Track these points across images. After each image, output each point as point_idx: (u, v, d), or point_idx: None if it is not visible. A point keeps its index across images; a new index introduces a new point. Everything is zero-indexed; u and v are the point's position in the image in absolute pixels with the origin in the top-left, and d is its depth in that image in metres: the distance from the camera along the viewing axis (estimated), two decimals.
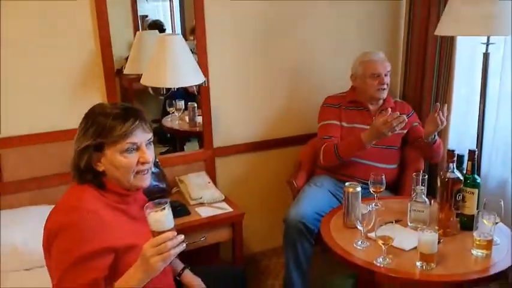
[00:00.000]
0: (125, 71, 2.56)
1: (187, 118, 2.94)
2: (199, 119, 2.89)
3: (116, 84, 2.46)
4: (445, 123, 2.37)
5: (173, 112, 2.93)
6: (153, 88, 2.49)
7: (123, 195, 1.50)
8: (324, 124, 2.63)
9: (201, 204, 2.41)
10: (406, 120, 2.26)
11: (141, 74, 2.31)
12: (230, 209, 2.37)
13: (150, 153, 1.48)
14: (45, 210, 2.22)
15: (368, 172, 2.43)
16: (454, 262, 1.72)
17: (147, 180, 1.51)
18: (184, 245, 1.33)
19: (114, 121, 1.41)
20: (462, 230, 1.91)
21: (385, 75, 2.55)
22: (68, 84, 2.37)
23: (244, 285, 1.95)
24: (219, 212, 2.35)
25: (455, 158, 1.86)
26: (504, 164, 2.58)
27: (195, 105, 2.89)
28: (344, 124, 2.59)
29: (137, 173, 1.46)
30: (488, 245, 1.73)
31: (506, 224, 1.98)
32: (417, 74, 2.98)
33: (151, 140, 1.51)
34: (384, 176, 2.13)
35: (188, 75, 2.25)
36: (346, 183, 1.98)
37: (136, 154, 1.45)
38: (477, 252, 1.74)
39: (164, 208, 1.32)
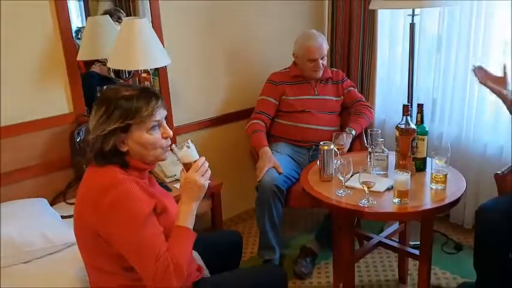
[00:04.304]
0: (79, 58, 2.51)
1: None
2: None
3: (78, 75, 2.46)
4: None
5: None
6: (115, 72, 2.52)
7: (143, 170, 1.60)
8: (261, 98, 2.91)
9: (177, 180, 2.51)
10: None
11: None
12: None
13: (169, 128, 1.60)
14: (34, 203, 2.22)
15: (317, 135, 2.78)
16: (419, 196, 2.07)
17: (167, 154, 1.63)
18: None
19: (138, 103, 1.49)
20: (416, 171, 2.27)
21: (321, 58, 2.83)
22: (29, 76, 2.32)
23: (241, 248, 2.09)
24: None
25: (409, 112, 2.22)
26: (426, 117, 3.05)
27: None
28: (290, 97, 2.86)
29: (162, 148, 1.58)
30: (444, 179, 2.10)
31: None
32: (343, 45, 3.33)
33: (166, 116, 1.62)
34: (345, 135, 2.45)
35: (157, 57, 2.32)
36: (321, 142, 2.24)
37: (159, 130, 1.56)
38: (436, 186, 2.11)
39: (189, 146, 1.57)
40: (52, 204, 2.39)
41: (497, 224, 2.06)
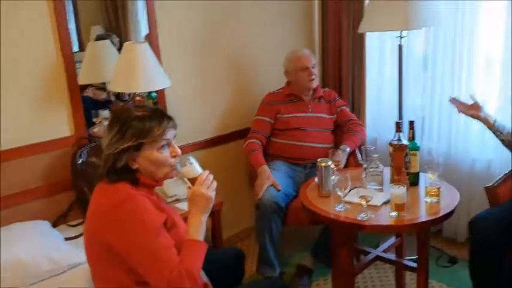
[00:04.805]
0: (80, 82, 2.56)
1: None
2: None
3: (79, 97, 2.51)
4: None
5: (100, 122, 2.98)
6: (116, 95, 2.58)
7: (152, 186, 1.66)
8: (257, 118, 3.00)
9: (178, 200, 2.56)
10: None
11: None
12: None
13: (177, 147, 1.66)
14: (37, 225, 2.23)
15: (312, 152, 2.85)
16: (415, 209, 2.15)
17: (175, 172, 1.69)
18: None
19: (151, 123, 1.56)
20: (410, 186, 2.34)
21: (312, 67, 2.95)
22: (32, 100, 2.37)
23: (243, 264, 2.12)
24: None
25: (401, 129, 2.30)
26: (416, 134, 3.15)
27: None
28: (285, 115, 2.95)
29: (171, 166, 1.64)
30: (438, 192, 2.18)
31: None
32: (335, 67, 3.45)
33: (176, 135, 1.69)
34: (340, 152, 2.54)
35: (158, 80, 2.39)
36: (318, 159, 2.31)
37: (168, 149, 1.62)
38: (430, 200, 2.18)
39: (191, 162, 1.66)
40: (53, 226, 2.41)
41: (491, 233, 2.13)
